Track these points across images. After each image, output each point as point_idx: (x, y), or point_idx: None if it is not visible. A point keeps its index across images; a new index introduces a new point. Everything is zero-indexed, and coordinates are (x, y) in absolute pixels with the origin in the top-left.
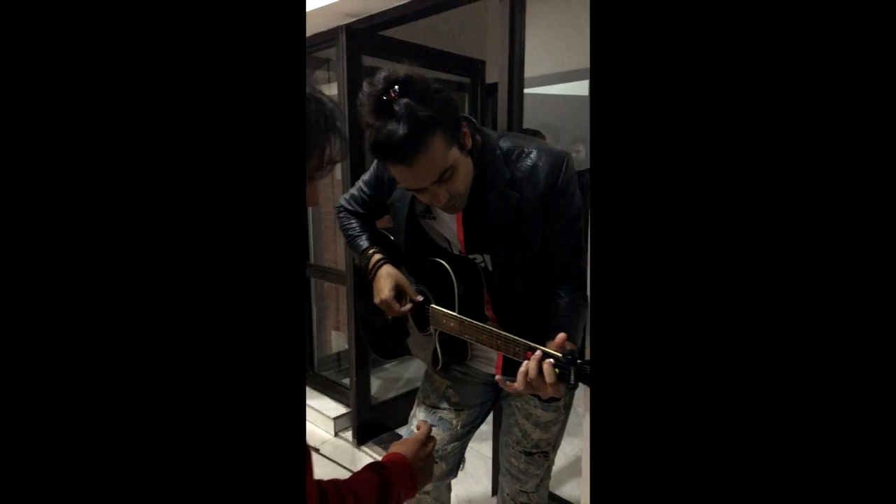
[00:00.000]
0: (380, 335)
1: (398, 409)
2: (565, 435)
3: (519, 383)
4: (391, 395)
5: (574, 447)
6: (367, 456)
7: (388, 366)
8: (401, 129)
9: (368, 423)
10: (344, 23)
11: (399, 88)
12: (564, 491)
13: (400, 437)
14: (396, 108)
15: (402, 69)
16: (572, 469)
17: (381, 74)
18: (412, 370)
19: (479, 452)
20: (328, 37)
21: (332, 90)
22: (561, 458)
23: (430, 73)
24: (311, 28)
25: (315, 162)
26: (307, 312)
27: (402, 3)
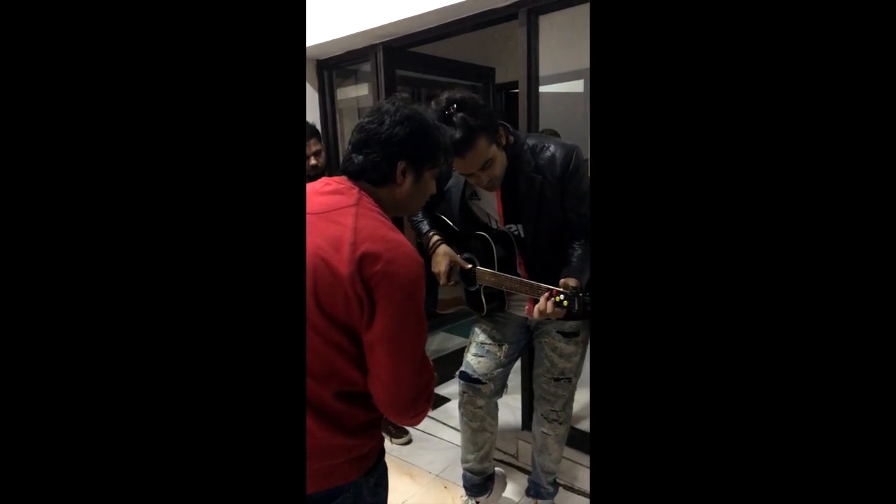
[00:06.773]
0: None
1: None
2: (583, 387)
3: (534, 311)
4: None
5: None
6: None
7: None
8: (457, 134)
9: None
10: (380, 41)
11: (456, 105)
12: (583, 425)
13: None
14: (454, 119)
15: (458, 93)
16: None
17: (444, 96)
18: (435, 343)
19: (509, 404)
20: (363, 53)
21: (359, 91)
22: (576, 407)
23: (450, 81)
24: (350, 46)
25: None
26: None
27: (429, 26)
